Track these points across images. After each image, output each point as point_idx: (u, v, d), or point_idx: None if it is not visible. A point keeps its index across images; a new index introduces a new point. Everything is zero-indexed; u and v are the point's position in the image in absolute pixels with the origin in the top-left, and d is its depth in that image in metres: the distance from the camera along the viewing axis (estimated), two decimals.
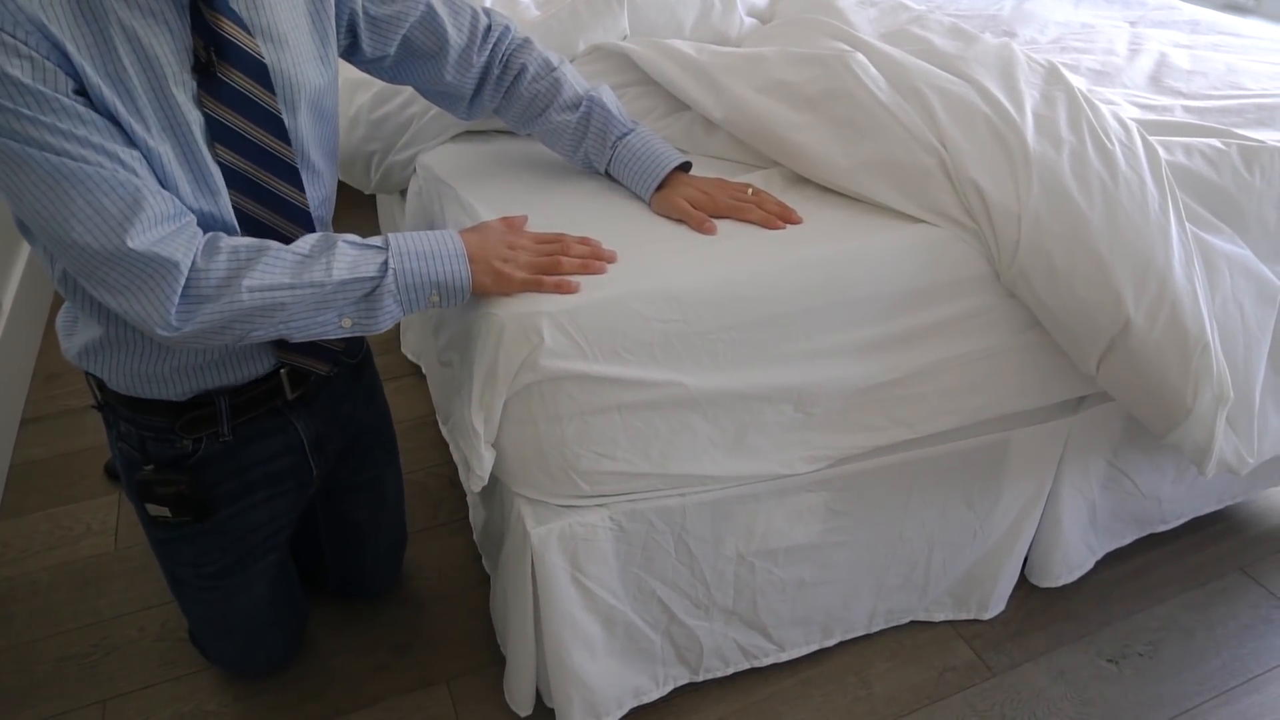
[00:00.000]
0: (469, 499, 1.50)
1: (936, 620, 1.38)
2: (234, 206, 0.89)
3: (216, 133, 0.85)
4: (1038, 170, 1.00)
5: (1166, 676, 1.31)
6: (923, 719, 1.25)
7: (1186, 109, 1.24)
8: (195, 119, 0.84)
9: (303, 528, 1.27)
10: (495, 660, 1.29)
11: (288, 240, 0.88)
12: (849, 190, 1.07)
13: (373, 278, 0.87)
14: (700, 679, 1.25)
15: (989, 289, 1.04)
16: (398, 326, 1.99)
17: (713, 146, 1.22)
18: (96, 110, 0.77)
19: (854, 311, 1.00)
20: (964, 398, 1.10)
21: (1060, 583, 1.41)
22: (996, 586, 1.35)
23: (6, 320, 1.88)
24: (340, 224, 1.11)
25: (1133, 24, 1.64)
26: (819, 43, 1.23)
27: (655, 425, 0.98)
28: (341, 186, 1.16)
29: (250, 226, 0.92)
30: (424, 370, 1.86)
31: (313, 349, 1.04)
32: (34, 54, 0.72)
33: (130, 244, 0.77)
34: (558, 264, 0.92)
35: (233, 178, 0.88)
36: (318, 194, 0.99)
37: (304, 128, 0.94)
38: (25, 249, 2.15)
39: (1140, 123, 1.11)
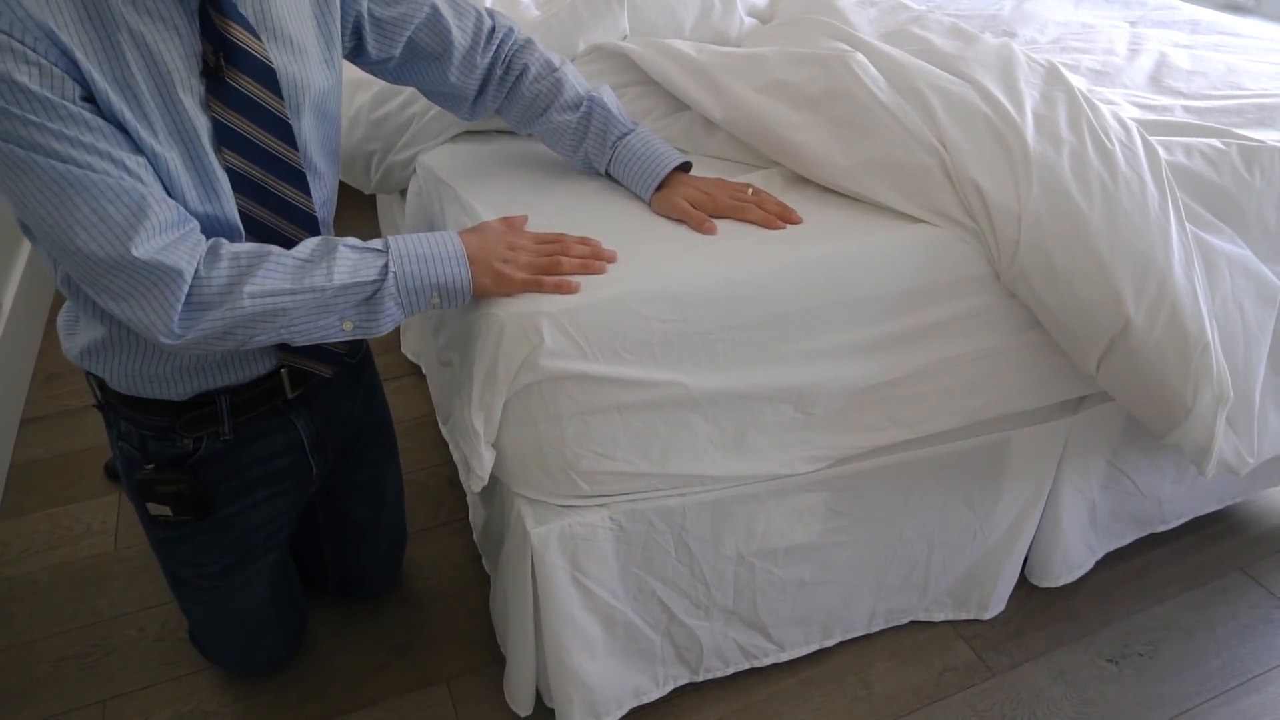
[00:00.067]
0: (469, 499, 1.50)
1: (936, 620, 1.38)
2: (239, 210, 0.89)
3: (224, 137, 0.85)
4: (1038, 170, 1.00)
5: (1166, 676, 1.31)
6: (923, 719, 1.25)
7: (1186, 109, 1.24)
8: (203, 124, 0.84)
9: (303, 527, 1.27)
10: (495, 660, 1.29)
11: (291, 243, 0.88)
12: (849, 190, 1.07)
13: (373, 281, 0.87)
14: (700, 679, 1.25)
15: (989, 289, 1.04)
16: (398, 327, 1.99)
17: (713, 146, 1.22)
18: (104, 117, 0.77)
19: (854, 311, 1.00)
20: (964, 398, 1.10)
21: (1060, 583, 1.41)
22: (996, 586, 1.35)
23: (6, 320, 1.88)
24: (340, 224, 1.11)
25: (1133, 24, 1.64)
26: (819, 43, 1.23)
27: (655, 425, 0.98)
28: (341, 187, 1.16)
29: (255, 230, 0.92)
30: (424, 370, 1.86)
31: (315, 351, 1.04)
32: (42, 60, 0.72)
33: (135, 252, 0.77)
34: (558, 264, 0.92)
35: (239, 182, 0.88)
36: (320, 195, 0.99)
37: (307, 130, 0.94)
38: (25, 249, 2.15)
39: (1140, 123, 1.11)
